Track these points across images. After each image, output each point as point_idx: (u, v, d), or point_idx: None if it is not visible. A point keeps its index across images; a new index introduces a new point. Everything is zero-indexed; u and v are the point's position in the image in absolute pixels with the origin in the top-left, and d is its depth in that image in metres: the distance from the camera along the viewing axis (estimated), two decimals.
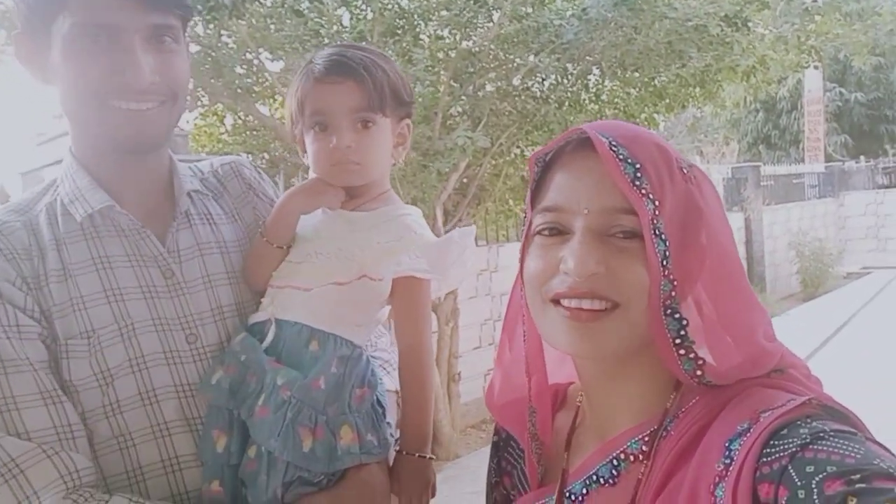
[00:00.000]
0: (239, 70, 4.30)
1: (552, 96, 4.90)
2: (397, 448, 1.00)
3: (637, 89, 5.32)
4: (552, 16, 4.25)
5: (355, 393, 0.95)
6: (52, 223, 0.94)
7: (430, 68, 4.17)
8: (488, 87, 4.77)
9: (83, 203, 0.93)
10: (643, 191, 0.64)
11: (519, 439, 0.81)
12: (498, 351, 0.82)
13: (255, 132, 5.09)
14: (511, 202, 5.67)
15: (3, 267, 0.87)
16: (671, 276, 0.65)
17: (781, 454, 0.56)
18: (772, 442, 0.57)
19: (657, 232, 0.64)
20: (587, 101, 5.34)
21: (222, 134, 5.36)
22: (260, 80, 4.52)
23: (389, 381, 1.05)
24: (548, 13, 4.28)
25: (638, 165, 0.65)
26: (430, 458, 0.99)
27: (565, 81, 4.96)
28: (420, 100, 4.14)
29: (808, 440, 0.56)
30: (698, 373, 0.66)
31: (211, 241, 1.02)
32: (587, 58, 4.74)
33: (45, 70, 0.91)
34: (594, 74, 5.18)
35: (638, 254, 0.65)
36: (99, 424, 0.89)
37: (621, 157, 0.65)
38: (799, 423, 0.58)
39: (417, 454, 0.98)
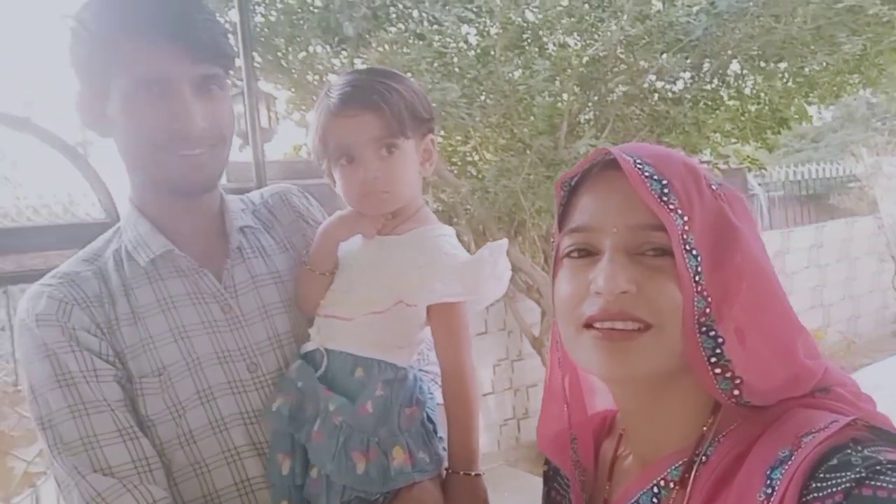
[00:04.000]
0: None
1: (686, 96, 4.69)
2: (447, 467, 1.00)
3: (783, 80, 4.94)
4: (679, 13, 4.07)
5: (404, 413, 0.97)
6: (119, 269, 1.01)
7: (551, 78, 4.15)
8: (617, 92, 4.66)
9: (145, 249, 1.00)
10: (671, 206, 0.63)
11: (563, 469, 0.81)
12: (545, 383, 0.82)
13: None
14: None
15: (79, 316, 0.95)
16: (704, 293, 0.62)
17: (834, 489, 0.52)
18: (819, 474, 0.53)
19: (688, 247, 0.62)
20: (727, 98, 5.04)
21: None
22: None
23: (441, 395, 1.06)
24: (674, 11, 4.10)
25: (665, 182, 0.64)
26: (478, 475, 0.99)
27: (700, 79, 4.73)
28: (540, 111, 4.14)
29: (863, 474, 0.52)
30: (735, 392, 0.63)
31: (264, 273, 1.07)
32: (723, 53, 4.48)
33: (104, 123, 0.98)
34: (733, 69, 4.88)
35: (669, 271, 0.63)
36: (176, 454, 0.95)
37: (647, 174, 0.64)
38: (849, 451, 0.54)
39: (464, 472, 0.98)
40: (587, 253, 0.68)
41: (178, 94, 0.94)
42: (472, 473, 0.99)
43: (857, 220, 7.90)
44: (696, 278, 0.62)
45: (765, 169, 6.49)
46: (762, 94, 5.13)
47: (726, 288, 0.63)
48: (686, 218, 0.63)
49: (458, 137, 4.82)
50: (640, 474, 0.71)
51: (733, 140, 5.50)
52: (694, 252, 0.62)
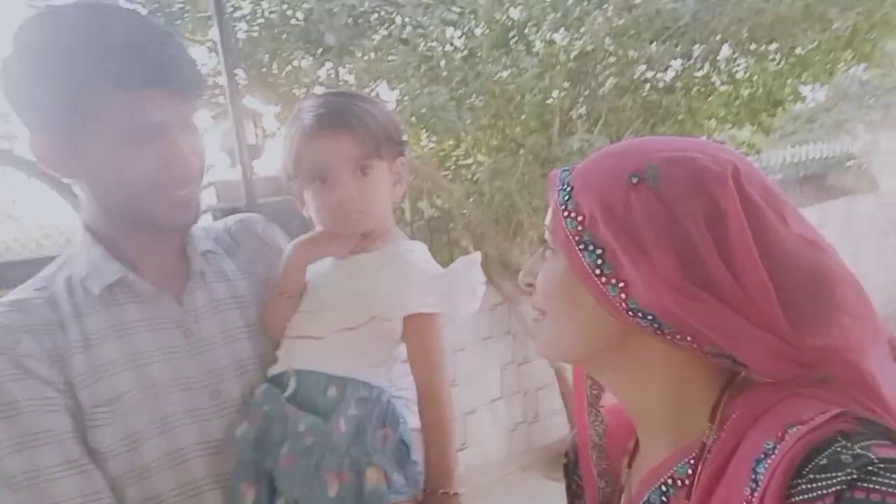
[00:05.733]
0: None
1: (678, 84, 4.63)
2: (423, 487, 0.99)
3: (775, 62, 4.88)
4: (665, 0, 4.02)
5: (378, 433, 0.96)
6: (71, 295, 0.96)
7: (539, 75, 4.10)
8: (607, 86, 4.61)
9: (98, 276, 0.96)
10: (566, 212, 0.67)
11: (579, 435, 0.82)
12: None
13: None
14: None
15: (28, 343, 0.89)
16: (614, 282, 0.64)
17: (824, 492, 0.50)
18: (809, 474, 0.52)
19: (584, 245, 0.65)
20: (718, 84, 4.99)
21: None
22: None
23: (414, 420, 1.04)
24: None
25: (570, 188, 0.67)
26: (456, 494, 0.98)
27: (691, 66, 4.67)
28: (530, 109, 4.09)
29: (854, 475, 0.50)
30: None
31: (227, 297, 1.05)
32: (712, 38, 4.43)
33: (69, 167, 0.94)
34: (723, 54, 4.83)
35: (553, 263, 0.70)
36: (129, 490, 0.90)
37: (562, 179, 0.69)
38: (838, 447, 0.52)
39: (442, 492, 0.97)
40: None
41: (171, 137, 0.93)
42: (451, 493, 0.98)
43: (858, 198, 7.83)
44: (600, 270, 0.64)
45: (759, 152, 6.44)
46: (754, 77, 5.08)
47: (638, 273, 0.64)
48: (580, 218, 0.65)
49: (450, 142, 4.77)
50: (649, 473, 0.71)
51: (728, 125, 5.45)
52: (591, 248, 0.65)
